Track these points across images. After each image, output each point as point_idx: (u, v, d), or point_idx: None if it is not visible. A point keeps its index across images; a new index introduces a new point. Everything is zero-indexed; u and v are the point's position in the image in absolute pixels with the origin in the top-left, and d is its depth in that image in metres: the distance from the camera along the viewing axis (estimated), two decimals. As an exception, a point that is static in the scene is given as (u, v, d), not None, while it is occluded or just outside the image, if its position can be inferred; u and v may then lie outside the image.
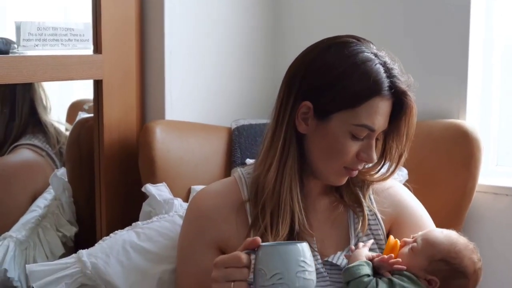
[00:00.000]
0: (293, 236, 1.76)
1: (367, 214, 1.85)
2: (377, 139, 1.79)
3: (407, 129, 1.79)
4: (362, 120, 1.71)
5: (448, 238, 1.70)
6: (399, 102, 1.76)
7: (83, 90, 2.60)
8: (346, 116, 1.72)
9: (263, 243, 1.56)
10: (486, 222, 2.30)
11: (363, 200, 1.87)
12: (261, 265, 1.52)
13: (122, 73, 2.34)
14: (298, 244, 1.53)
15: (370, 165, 1.86)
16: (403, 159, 1.84)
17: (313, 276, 1.53)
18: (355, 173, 1.80)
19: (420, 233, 1.74)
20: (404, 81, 1.76)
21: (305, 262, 1.51)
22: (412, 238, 1.74)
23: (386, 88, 1.72)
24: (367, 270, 1.67)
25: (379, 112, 1.72)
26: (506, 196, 2.28)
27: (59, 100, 2.69)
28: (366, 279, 1.65)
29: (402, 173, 2.21)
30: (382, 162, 1.86)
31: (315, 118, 1.75)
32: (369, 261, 1.70)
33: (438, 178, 2.24)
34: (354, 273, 1.66)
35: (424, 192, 2.02)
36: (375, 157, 1.76)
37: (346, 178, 1.82)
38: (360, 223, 1.83)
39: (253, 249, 1.55)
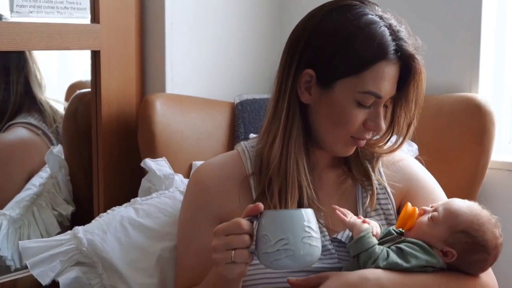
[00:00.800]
0: None
1: (376, 188, 1.79)
2: (386, 106, 1.72)
3: (416, 95, 1.72)
4: (368, 86, 1.65)
5: (472, 209, 1.63)
6: (407, 66, 1.69)
7: (83, 72, 2.53)
8: (351, 83, 1.66)
9: (266, 210, 1.49)
10: (499, 199, 2.23)
11: (372, 173, 1.81)
12: (264, 231, 1.45)
13: (121, 44, 2.27)
14: (303, 210, 1.47)
15: (378, 136, 1.80)
16: (411, 129, 1.77)
17: (319, 244, 1.47)
18: (363, 142, 1.73)
19: (440, 202, 1.67)
20: (411, 43, 1.69)
21: (311, 228, 1.45)
22: (432, 207, 1.67)
23: (392, 52, 1.65)
24: (373, 240, 1.61)
25: (385, 78, 1.66)
26: None
27: (59, 81, 2.67)
28: (377, 249, 1.59)
29: (412, 149, 2.16)
30: (391, 133, 1.79)
31: (318, 87, 1.69)
32: (369, 228, 1.63)
33: (450, 154, 2.18)
34: (365, 243, 1.59)
35: (435, 168, 1.96)
36: (383, 125, 1.70)
37: (354, 149, 1.76)
38: (369, 198, 1.77)
39: (255, 216, 1.48)
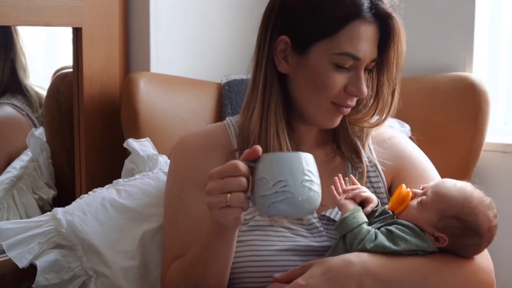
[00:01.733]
0: None
1: (367, 166, 1.75)
2: (369, 72, 1.68)
3: (396, 57, 1.66)
4: (343, 47, 1.61)
5: (462, 192, 1.55)
6: (386, 27, 1.64)
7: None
8: (326, 45, 1.62)
9: (264, 154, 1.43)
10: (494, 182, 2.21)
11: (362, 150, 1.77)
12: (262, 174, 1.39)
13: (104, 21, 2.22)
14: (302, 153, 1.42)
15: (365, 110, 1.75)
16: (396, 98, 1.72)
17: (319, 190, 1.40)
18: (347, 110, 1.68)
19: (431, 184, 1.60)
20: (386, 1, 1.64)
21: (311, 172, 1.39)
22: (422, 189, 1.60)
23: (366, 10, 1.61)
24: (362, 217, 1.55)
25: (362, 38, 1.61)
26: None
27: (45, 69, 2.63)
28: (364, 229, 1.53)
29: (404, 129, 2.14)
30: (376, 104, 1.74)
31: (294, 54, 1.66)
32: (359, 207, 1.58)
33: (444, 134, 2.16)
34: (351, 223, 1.54)
35: (429, 149, 1.92)
36: (364, 89, 1.65)
37: (338, 119, 1.71)
38: (358, 176, 1.73)
39: (253, 161, 1.41)
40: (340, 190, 1.62)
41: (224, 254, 1.53)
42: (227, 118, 1.82)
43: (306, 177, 1.37)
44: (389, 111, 1.74)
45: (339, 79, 1.62)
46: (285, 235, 1.63)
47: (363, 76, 1.64)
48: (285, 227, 1.64)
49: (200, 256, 1.55)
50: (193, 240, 1.62)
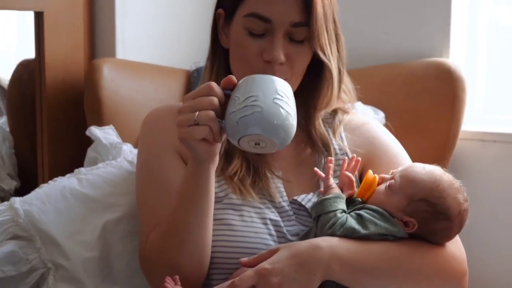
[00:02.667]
0: (258, 176, 1.63)
1: (337, 154, 1.70)
2: (297, 42, 1.57)
3: (315, 19, 1.55)
4: (251, 8, 1.55)
5: (431, 175, 1.51)
6: None
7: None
8: (241, 10, 1.57)
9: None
10: (471, 171, 2.19)
11: (332, 138, 1.72)
12: (235, 94, 1.37)
13: (67, 5, 2.17)
14: (280, 79, 1.40)
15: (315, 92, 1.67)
16: (334, 70, 1.62)
17: (292, 113, 1.36)
18: None
19: (399, 168, 1.56)
20: None
21: (285, 94, 1.36)
22: (391, 175, 1.56)
23: None
24: (342, 205, 1.51)
25: None
26: (493, 143, 2.17)
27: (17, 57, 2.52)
28: (339, 214, 1.49)
29: (378, 117, 2.10)
30: (320, 82, 1.65)
31: (227, 26, 1.63)
32: (344, 196, 1.54)
33: (420, 121, 2.13)
34: (330, 205, 1.50)
35: (405, 137, 1.87)
36: (277, 54, 1.55)
37: None
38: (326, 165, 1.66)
39: (230, 90, 1.40)
40: (331, 172, 1.58)
41: (201, 207, 1.48)
42: None
43: (279, 96, 1.34)
44: (340, 86, 1.67)
45: (253, 46, 1.56)
46: (257, 214, 1.59)
47: (278, 41, 1.54)
48: (256, 207, 1.60)
49: (176, 213, 1.51)
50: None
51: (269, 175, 1.64)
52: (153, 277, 1.59)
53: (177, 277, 1.47)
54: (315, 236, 1.51)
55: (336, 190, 1.54)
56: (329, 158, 1.61)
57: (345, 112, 1.76)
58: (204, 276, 1.55)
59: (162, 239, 1.54)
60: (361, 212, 1.50)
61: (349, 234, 1.47)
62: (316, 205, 1.52)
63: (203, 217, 1.50)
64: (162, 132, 1.67)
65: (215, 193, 1.57)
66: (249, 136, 1.34)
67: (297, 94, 1.50)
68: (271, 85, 1.36)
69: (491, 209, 2.14)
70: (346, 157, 1.66)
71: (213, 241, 1.56)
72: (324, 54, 1.58)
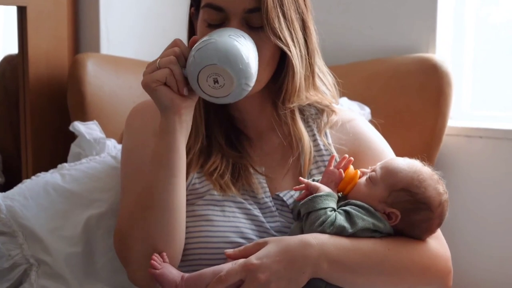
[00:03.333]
0: (238, 172, 1.62)
1: (321, 150, 1.69)
2: (256, 29, 1.52)
3: (265, 3, 1.51)
4: None
5: (411, 166, 1.53)
6: None
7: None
8: (202, 4, 1.57)
9: None
10: (459, 167, 2.18)
11: (316, 134, 1.70)
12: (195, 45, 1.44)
13: None
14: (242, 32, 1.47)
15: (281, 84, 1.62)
16: (296, 50, 1.57)
17: (248, 51, 1.42)
18: None
19: (379, 162, 1.57)
20: None
21: (241, 35, 1.44)
22: (371, 169, 1.56)
23: None
24: (333, 203, 1.50)
25: None
26: (479, 139, 2.16)
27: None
28: (329, 212, 1.48)
29: (364, 112, 2.10)
30: (283, 71, 1.60)
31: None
32: (336, 194, 1.53)
33: (405, 117, 2.13)
34: (321, 202, 1.49)
35: (390, 133, 1.89)
36: None
37: None
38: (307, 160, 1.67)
39: None
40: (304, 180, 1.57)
41: (170, 165, 1.48)
42: None
43: (233, 34, 1.42)
44: (311, 76, 1.63)
45: None
46: (239, 209, 1.58)
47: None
48: (238, 202, 1.58)
49: (148, 175, 1.51)
50: None
51: (252, 170, 1.63)
52: (127, 258, 1.55)
53: (164, 253, 1.47)
54: (303, 232, 1.49)
55: (326, 189, 1.52)
56: (332, 155, 1.58)
57: (333, 112, 1.73)
58: (178, 255, 1.52)
59: (133, 205, 1.53)
60: (347, 208, 1.49)
61: (339, 232, 1.47)
62: (307, 202, 1.50)
63: (172, 177, 1.49)
64: (147, 124, 1.66)
65: (196, 188, 1.58)
66: (206, 69, 1.39)
67: (266, 88, 1.55)
68: (230, 29, 1.45)
69: (477, 205, 2.13)
70: (335, 154, 1.64)
71: (195, 237, 1.55)
72: (280, 39, 1.52)
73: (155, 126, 1.57)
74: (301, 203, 1.53)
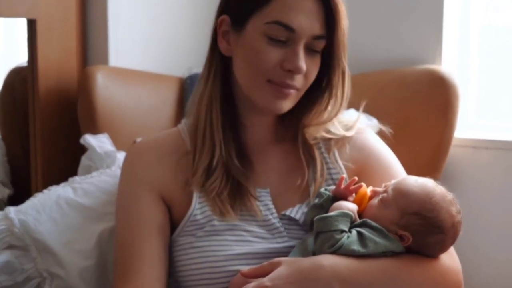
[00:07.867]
0: (241, 192, 1.62)
1: (328, 162, 1.69)
2: (315, 52, 1.58)
3: (337, 33, 1.57)
4: (274, 15, 1.53)
5: (424, 188, 1.50)
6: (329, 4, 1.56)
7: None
8: (259, 17, 1.55)
9: None
10: (465, 178, 2.19)
11: (324, 152, 1.70)
12: None
13: (60, 12, 2.17)
14: None
15: (317, 105, 1.66)
16: (347, 83, 1.64)
17: None
18: (287, 91, 1.58)
19: (392, 181, 1.55)
20: None
21: None
22: (384, 187, 1.55)
23: None
24: (344, 225, 1.48)
25: (296, 8, 1.53)
26: (486, 150, 2.18)
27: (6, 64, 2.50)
28: (339, 235, 1.47)
29: (371, 123, 2.08)
30: (329, 94, 1.65)
31: (234, 33, 1.59)
32: (351, 214, 1.51)
33: (413, 128, 2.13)
34: (331, 224, 1.47)
35: (397, 144, 1.86)
36: (301, 64, 1.55)
37: (281, 101, 1.59)
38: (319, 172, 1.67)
39: None
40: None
41: None
42: (183, 121, 1.75)
43: None
44: (342, 100, 1.66)
45: (274, 53, 1.54)
46: (243, 239, 1.57)
47: (301, 51, 1.54)
48: (244, 230, 1.58)
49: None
50: (142, 239, 1.59)
51: (257, 192, 1.63)
52: None
53: None
54: (313, 251, 1.49)
55: (346, 206, 1.51)
56: (342, 175, 1.58)
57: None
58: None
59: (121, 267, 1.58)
60: (361, 229, 1.49)
61: (348, 254, 1.46)
62: (318, 220, 1.49)
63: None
64: (143, 170, 1.66)
65: (197, 220, 1.58)
66: None
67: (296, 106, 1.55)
68: None
69: (484, 216, 2.15)
70: (344, 173, 1.65)
71: (196, 268, 1.56)
72: (341, 69, 1.61)
73: (150, 176, 1.63)
74: (315, 218, 1.51)
